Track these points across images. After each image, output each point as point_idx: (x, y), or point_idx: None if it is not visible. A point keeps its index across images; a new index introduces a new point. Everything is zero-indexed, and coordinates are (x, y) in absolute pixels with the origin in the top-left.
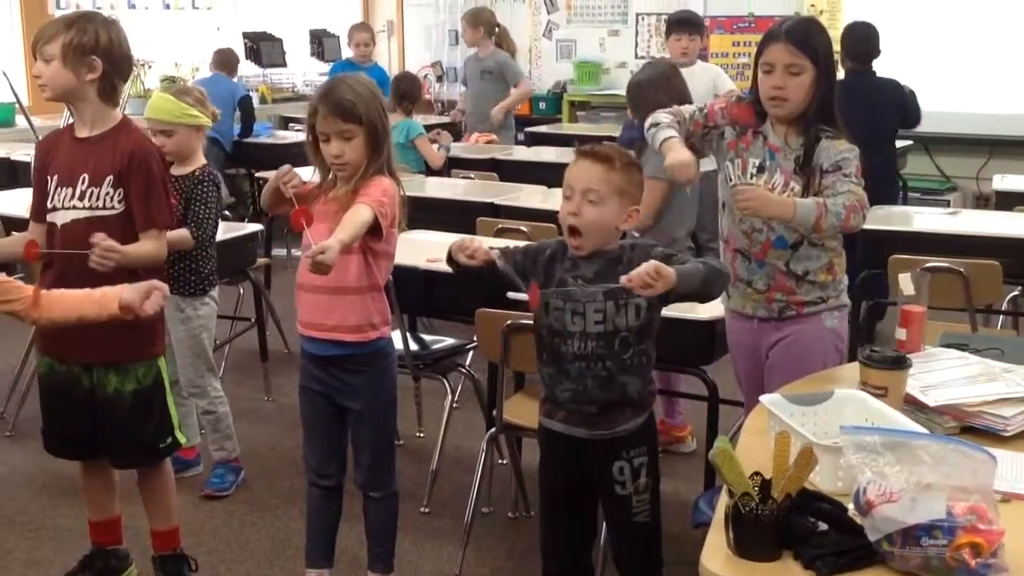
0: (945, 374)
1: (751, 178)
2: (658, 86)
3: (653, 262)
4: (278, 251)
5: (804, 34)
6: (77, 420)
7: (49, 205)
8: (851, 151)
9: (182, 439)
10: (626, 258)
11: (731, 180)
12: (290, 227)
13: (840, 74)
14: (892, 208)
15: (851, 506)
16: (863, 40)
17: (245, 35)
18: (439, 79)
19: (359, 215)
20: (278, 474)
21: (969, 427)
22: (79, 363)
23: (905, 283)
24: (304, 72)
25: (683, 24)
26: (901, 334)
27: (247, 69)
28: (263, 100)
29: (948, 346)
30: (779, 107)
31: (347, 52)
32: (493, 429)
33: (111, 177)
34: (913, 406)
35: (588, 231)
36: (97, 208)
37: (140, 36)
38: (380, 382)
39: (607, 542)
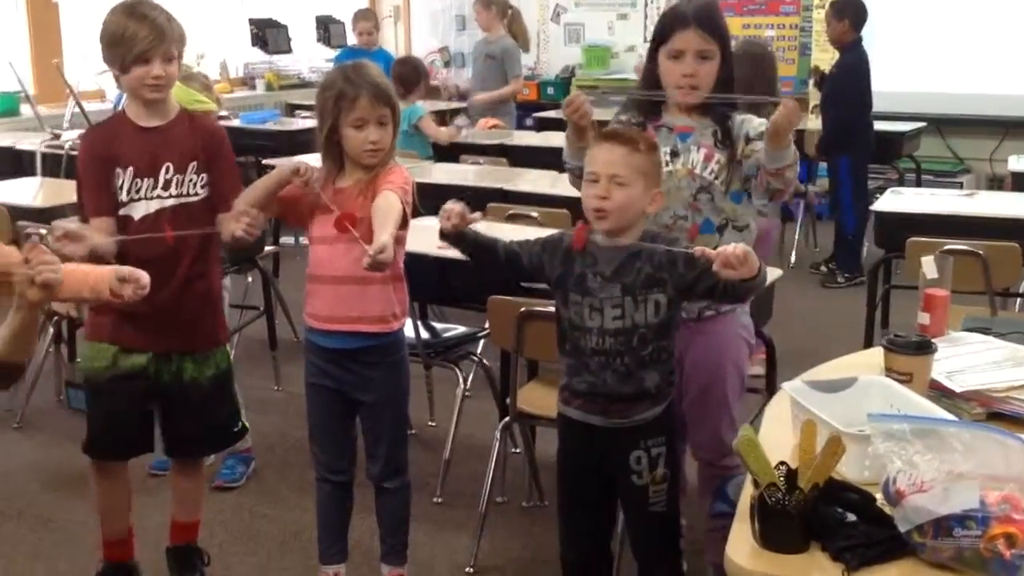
0: (970, 359)
1: (666, 166)
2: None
3: (743, 246)
4: (286, 239)
5: (712, 18)
6: (139, 415)
7: (125, 198)
8: (764, 125)
9: (247, 424)
10: (645, 252)
11: None
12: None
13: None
14: (908, 190)
15: (879, 496)
16: (863, 9)
17: (251, 22)
18: (446, 64)
19: (393, 205)
20: (289, 464)
21: (996, 413)
22: (159, 352)
23: (928, 266)
24: (310, 59)
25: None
26: (924, 318)
27: (253, 55)
28: (269, 87)
29: (971, 330)
30: (690, 95)
31: (352, 38)
32: (507, 418)
33: (195, 163)
34: (938, 392)
35: (618, 212)
36: (183, 196)
37: None
38: (397, 373)
39: (625, 530)
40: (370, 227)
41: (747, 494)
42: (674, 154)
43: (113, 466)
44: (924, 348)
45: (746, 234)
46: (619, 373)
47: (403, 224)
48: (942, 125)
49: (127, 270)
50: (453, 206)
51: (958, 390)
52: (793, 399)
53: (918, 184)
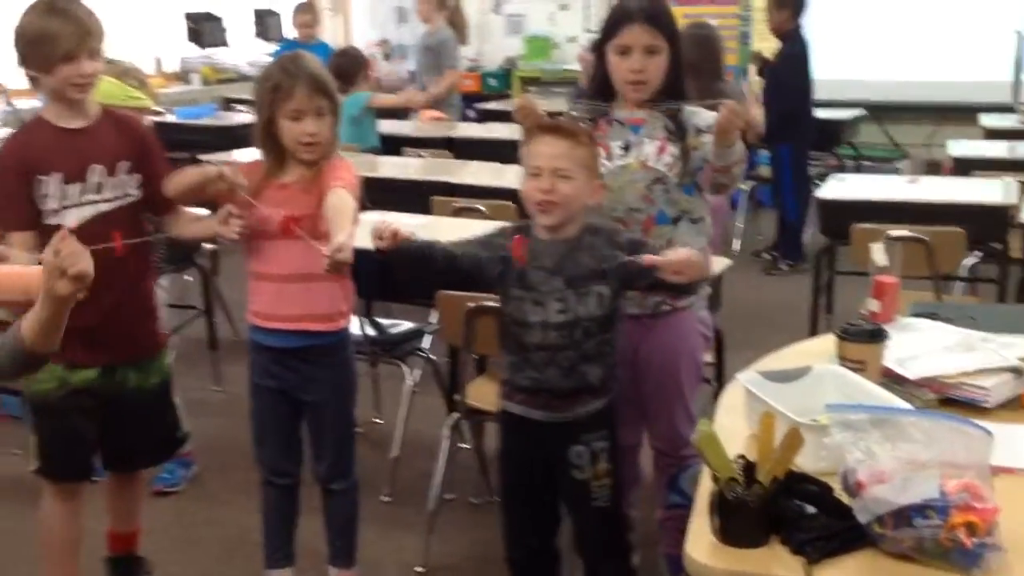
0: (921, 345)
1: (619, 159)
2: None
3: (689, 251)
4: None
5: (658, 12)
6: (89, 433)
7: (55, 206)
8: (713, 117)
9: (188, 429)
10: (586, 243)
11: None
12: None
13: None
14: (851, 176)
15: (836, 485)
16: None
17: (187, 15)
18: (387, 57)
19: (347, 202)
20: (231, 467)
21: (948, 399)
22: (106, 365)
23: (878, 253)
24: (247, 52)
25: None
26: (874, 305)
27: (188, 50)
28: (206, 81)
29: (919, 316)
30: (639, 91)
31: (291, 31)
32: (456, 414)
33: (126, 163)
34: (890, 379)
35: (564, 205)
36: (120, 199)
37: None
38: (343, 372)
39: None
40: (315, 224)
41: (705, 489)
42: (626, 147)
43: (73, 487)
44: (877, 336)
45: (701, 226)
46: (562, 368)
47: (356, 220)
48: (879, 112)
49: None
50: (385, 225)
51: (911, 377)
52: (748, 390)
53: (858, 171)
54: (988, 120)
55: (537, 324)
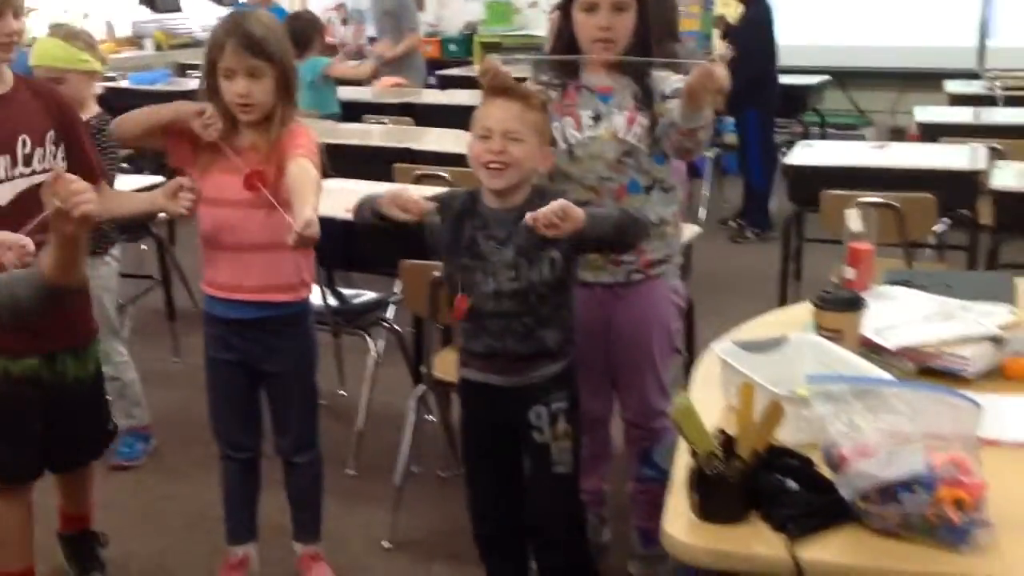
0: (898, 314)
1: (589, 130)
2: None
3: (561, 201)
4: None
5: None
6: (35, 429)
7: None
8: (681, 82)
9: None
10: (536, 208)
11: (568, 140)
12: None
13: None
14: (818, 143)
15: (818, 460)
16: None
17: None
18: (344, 22)
19: (310, 172)
20: (192, 441)
21: (927, 369)
22: (46, 353)
23: (852, 220)
24: (201, 17)
25: None
26: (849, 273)
27: (140, 14)
28: (159, 47)
29: (892, 283)
30: (607, 50)
31: None
32: (421, 386)
33: (51, 133)
34: (868, 348)
35: (515, 167)
36: (48, 171)
37: None
38: (305, 342)
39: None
40: (276, 192)
41: (683, 464)
42: (596, 117)
43: (19, 489)
44: (854, 304)
45: (673, 195)
46: (519, 334)
47: None
48: (844, 78)
49: (5, 235)
50: (408, 196)
51: (891, 347)
52: (724, 361)
53: (823, 138)
54: (953, 86)
55: (490, 293)
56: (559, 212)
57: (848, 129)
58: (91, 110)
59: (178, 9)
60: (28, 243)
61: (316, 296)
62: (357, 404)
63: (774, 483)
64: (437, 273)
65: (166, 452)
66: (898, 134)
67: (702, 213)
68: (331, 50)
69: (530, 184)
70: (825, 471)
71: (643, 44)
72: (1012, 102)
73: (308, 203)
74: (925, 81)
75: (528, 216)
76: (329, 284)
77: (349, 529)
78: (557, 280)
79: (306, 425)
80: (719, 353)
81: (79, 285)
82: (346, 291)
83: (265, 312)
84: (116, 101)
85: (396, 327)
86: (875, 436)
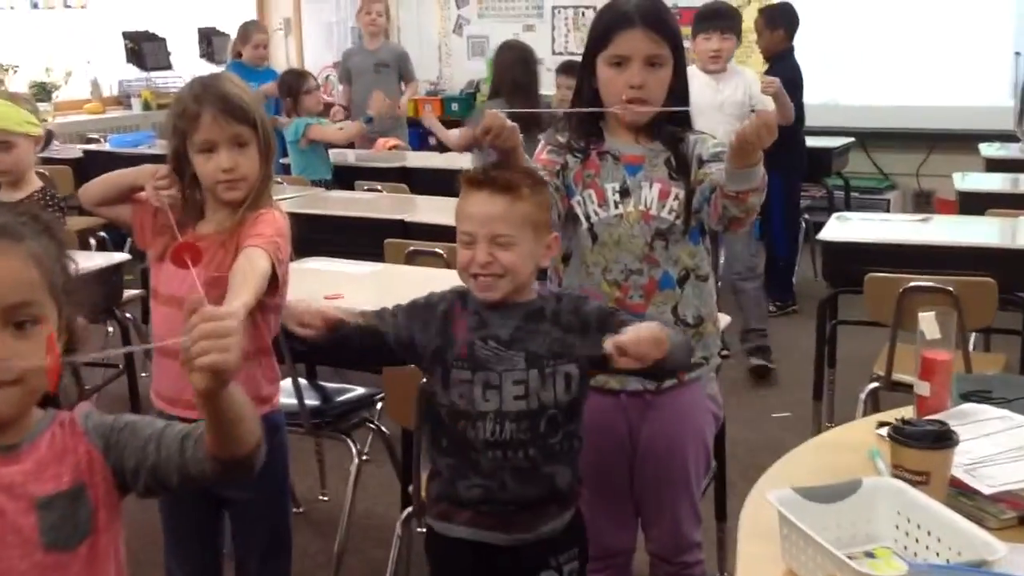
0: (988, 443)
1: (615, 207)
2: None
3: (649, 326)
4: None
5: (661, 16)
6: None
7: None
8: (723, 145)
9: None
10: (550, 311)
11: (589, 217)
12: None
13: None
14: (854, 215)
15: None
16: (796, 17)
17: (125, 35)
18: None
19: (256, 264)
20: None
21: None
22: None
23: (928, 324)
24: (192, 75)
25: (715, 19)
26: (923, 388)
27: (128, 72)
28: (147, 106)
29: (968, 396)
30: (638, 112)
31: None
32: (410, 508)
33: None
34: (955, 489)
35: (508, 277)
36: None
37: (3, 38)
38: (272, 466)
39: None
40: (220, 281)
41: None
42: (624, 192)
43: None
44: (944, 440)
45: (708, 286)
46: (521, 471)
47: (273, 289)
48: (865, 139)
49: None
50: (308, 309)
51: (986, 492)
52: (782, 515)
53: (847, 203)
54: (990, 150)
55: (490, 414)
56: (650, 341)
57: (872, 193)
58: (34, 183)
59: (168, 67)
60: None
61: (291, 396)
62: (339, 512)
63: None
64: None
65: None
66: (923, 198)
67: (717, 284)
68: (327, 110)
69: (535, 277)
70: None
71: (680, 104)
72: None
73: (239, 297)
74: (950, 142)
75: (609, 343)
76: (310, 376)
77: None
78: (572, 401)
79: (274, 565)
80: (776, 504)
81: (243, 453)
82: (330, 386)
83: None
84: (94, 166)
85: (383, 428)
86: None
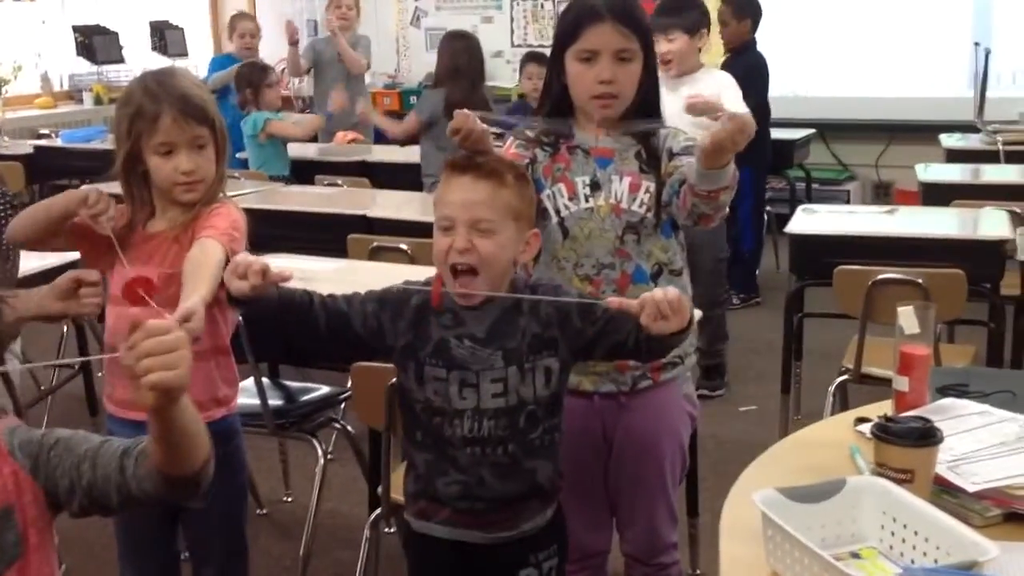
0: (970, 439)
1: (585, 200)
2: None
3: (675, 290)
4: None
5: (630, 9)
6: None
7: None
8: (693, 140)
9: None
10: (526, 305)
11: (560, 211)
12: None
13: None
14: (820, 207)
15: None
16: (760, 8)
17: (75, 28)
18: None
19: (211, 256)
20: (107, 563)
21: (1014, 514)
22: None
23: (907, 319)
24: (144, 68)
25: (658, 17)
26: (901, 383)
27: (79, 66)
28: (98, 100)
29: (945, 390)
30: (608, 107)
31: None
32: (379, 510)
33: None
34: (939, 487)
35: (486, 268)
36: None
37: None
38: (229, 469)
39: None
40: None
41: None
42: (594, 186)
43: None
44: (928, 438)
45: (681, 281)
46: (501, 467)
47: None
48: (825, 130)
49: None
50: (248, 259)
51: (971, 489)
52: (766, 516)
53: (808, 194)
54: (950, 141)
55: (467, 411)
56: (676, 304)
57: (831, 185)
58: None
59: (120, 60)
60: None
61: (252, 396)
62: (304, 513)
63: None
64: (395, 379)
65: None
66: (882, 189)
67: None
68: (286, 103)
69: (512, 273)
70: None
71: (649, 100)
72: (1012, 158)
73: (196, 291)
74: (913, 134)
75: (611, 300)
76: (273, 375)
77: None
78: (552, 396)
79: (232, 570)
80: (760, 505)
81: (192, 470)
82: (293, 385)
83: None
84: (46, 161)
85: (349, 428)
86: None
